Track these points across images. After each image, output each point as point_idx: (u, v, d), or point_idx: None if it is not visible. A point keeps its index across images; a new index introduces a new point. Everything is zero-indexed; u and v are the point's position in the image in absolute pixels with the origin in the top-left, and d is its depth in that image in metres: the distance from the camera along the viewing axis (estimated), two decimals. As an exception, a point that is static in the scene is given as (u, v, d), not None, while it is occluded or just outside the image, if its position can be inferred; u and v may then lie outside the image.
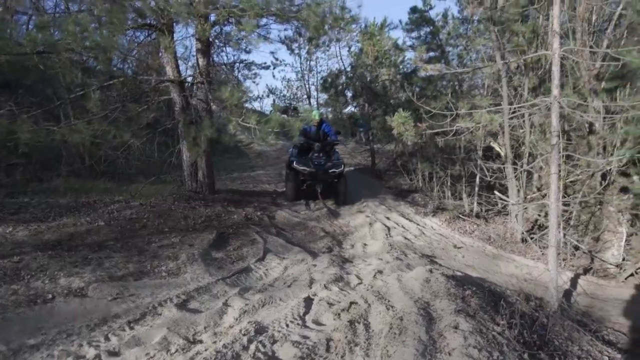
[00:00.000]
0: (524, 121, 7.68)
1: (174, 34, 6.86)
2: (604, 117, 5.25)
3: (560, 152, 4.65)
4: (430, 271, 4.17)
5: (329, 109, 16.71)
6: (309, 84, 20.03)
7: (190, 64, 9.39)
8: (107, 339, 2.74)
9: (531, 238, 7.04)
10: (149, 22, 6.54)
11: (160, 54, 7.64)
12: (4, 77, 5.55)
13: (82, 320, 2.96)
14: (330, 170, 7.98)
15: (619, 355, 3.24)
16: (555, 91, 4.07)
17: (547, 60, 7.32)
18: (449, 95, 9.38)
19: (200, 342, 2.77)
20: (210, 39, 7.46)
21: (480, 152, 8.95)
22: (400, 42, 12.82)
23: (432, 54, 11.33)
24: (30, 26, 7.48)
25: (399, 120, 4.83)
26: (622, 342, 4.00)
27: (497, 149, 8.51)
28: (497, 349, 2.60)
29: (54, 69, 5.74)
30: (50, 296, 3.29)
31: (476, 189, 8.99)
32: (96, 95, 5.55)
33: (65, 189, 6.13)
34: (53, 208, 5.35)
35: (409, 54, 12.84)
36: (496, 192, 8.21)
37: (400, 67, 12.90)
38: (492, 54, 9.09)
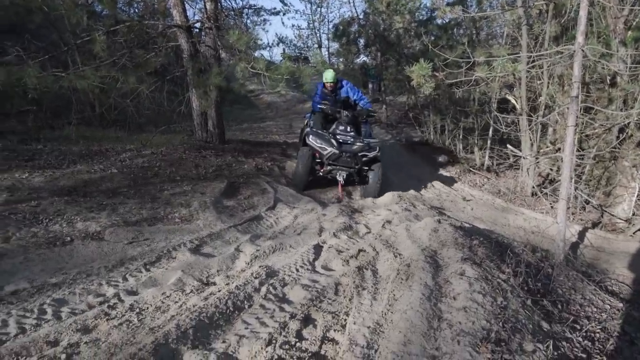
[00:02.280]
0: (542, 72, 7.41)
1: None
2: (629, 67, 5.03)
3: (579, 104, 4.51)
4: (439, 221, 4.20)
5: (340, 59, 16.24)
6: (319, 32, 19.38)
7: (197, 8, 9.06)
8: (124, 279, 2.85)
9: (541, 192, 7.01)
10: (154, -38, 6.26)
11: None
12: (9, 21, 5.43)
13: (100, 262, 3.07)
14: (361, 153, 5.59)
15: (620, 304, 3.30)
16: (580, 38, 3.88)
17: (572, 6, 6.92)
18: (466, 44, 9.02)
19: (214, 284, 2.87)
20: (218, -19, 7.15)
21: (494, 105, 8.74)
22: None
23: (450, -1, 10.75)
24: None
25: (419, 71, 4.66)
26: (624, 293, 4.07)
27: (513, 101, 8.29)
28: (501, 295, 2.66)
29: (58, 10, 5.59)
30: (68, 239, 3.40)
31: (488, 142, 8.87)
32: (102, 39, 5.43)
33: (77, 136, 6.18)
34: (66, 155, 5.41)
35: (425, 0, 12.25)
36: (509, 146, 8.10)
37: (416, 14, 12.33)
38: (513, 0, 8.63)
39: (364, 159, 5.62)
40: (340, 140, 5.61)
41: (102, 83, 5.62)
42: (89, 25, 6.12)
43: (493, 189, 7.58)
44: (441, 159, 8.84)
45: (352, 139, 5.65)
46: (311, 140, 5.60)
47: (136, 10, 8.35)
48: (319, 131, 5.71)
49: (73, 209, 3.92)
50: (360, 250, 3.49)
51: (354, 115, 5.95)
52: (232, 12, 10.01)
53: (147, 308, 2.46)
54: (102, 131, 6.79)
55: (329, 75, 6.08)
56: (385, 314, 2.37)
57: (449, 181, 7.67)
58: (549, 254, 4.29)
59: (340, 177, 5.67)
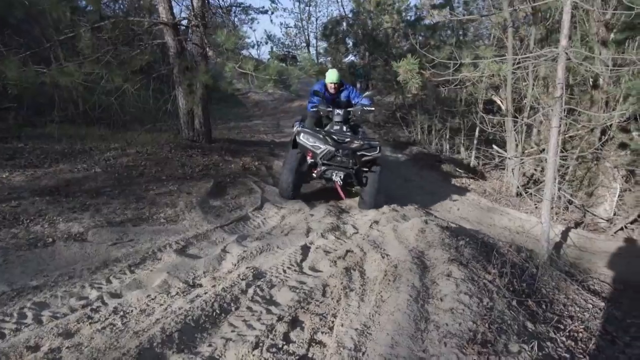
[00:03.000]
0: (527, 73, 7.52)
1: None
2: (611, 70, 5.14)
3: (562, 106, 4.59)
4: (426, 222, 4.22)
5: (328, 58, 16.24)
6: (307, 31, 19.35)
7: (184, 4, 8.97)
8: (108, 281, 2.80)
9: (526, 192, 7.12)
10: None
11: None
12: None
13: (83, 264, 3.01)
14: (360, 152, 4.98)
15: (602, 304, 3.36)
16: (563, 41, 3.94)
17: (557, 10, 7.03)
18: (453, 45, 9.10)
19: (200, 285, 2.83)
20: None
21: (481, 105, 8.83)
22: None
23: (437, 0, 10.83)
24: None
25: (406, 66, 4.70)
26: (606, 292, 4.16)
27: (498, 102, 8.40)
28: (487, 296, 2.68)
29: (40, 5, 5.46)
30: (50, 240, 3.32)
31: (475, 142, 8.97)
32: (87, 36, 5.33)
33: (59, 135, 6.04)
34: (48, 154, 5.30)
35: (413, 1, 12.33)
36: (494, 146, 8.20)
37: (404, 14, 12.40)
38: (499, 2, 8.73)
39: (363, 159, 5.00)
40: (336, 139, 4.99)
41: (86, 80, 5.53)
42: (72, 21, 5.99)
43: (479, 189, 7.66)
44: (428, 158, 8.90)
45: (349, 138, 5.02)
46: (302, 139, 4.97)
47: (121, 6, 8.22)
48: (311, 129, 5.15)
49: (55, 210, 3.84)
50: (347, 251, 3.49)
51: (348, 112, 5.34)
52: (220, 10, 9.93)
53: (132, 311, 2.42)
54: (85, 129, 6.65)
55: (333, 76, 5.51)
56: (372, 316, 2.37)
57: (436, 181, 7.74)
58: (534, 254, 4.35)
59: (337, 177, 5.00)
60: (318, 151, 4.93)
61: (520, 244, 4.72)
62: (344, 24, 13.35)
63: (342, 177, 5.01)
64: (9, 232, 3.35)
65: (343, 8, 18.97)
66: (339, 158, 4.92)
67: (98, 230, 3.58)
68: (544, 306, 2.97)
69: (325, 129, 5.29)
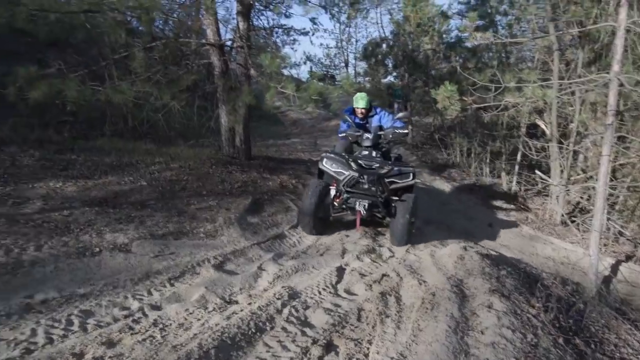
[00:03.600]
0: (574, 99, 7.26)
1: (215, -5, 6.80)
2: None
3: (614, 133, 4.39)
4: (465, 248, 4.12)
5: (367, 78, 16.35)
6: (347, 51, 19.61)
7: (230, 27, 9.33)
8: (149, 293, 2.89)
9: (572, 221, 6.80)
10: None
11: (201, 16, 7.61)
12: (53, 36, 5.71)
13: (126, 274, 3.12)
14: (389, 179, 4.46)
15: (658, 347, 3.13)
16: (616, 67, 3.80)
17: (606, 34, 6.80)
18: (495, 67, 8.95)
19: (236, 302, 2.87)
20: (251, 1, 7.35)
21: (523, 129, 8.59)
22: (445, 8, 12.24)
23: (480, 22, 10.73)
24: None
25: (444, 93, 4.65)
26: (662, 334, 3.87)
27: (542, 126, 8.14)
28: (532, 332, 2.56)
29: (100, 28, 5.85)
30: (97, 250, 3.47)
31: (516, 167, 8.70)
32: (140, 55, 5.64)
33: (109, 148, 6.36)
34: (99, 166, 5.57)
35: (454, 22, 12.25)
36: (537, 172, 7.92)
37: (444, 36, 12.36)
38: (544, 25, 8.54)
39: (393, 186, 4.46)
40: (363, 165, 4.48)
41: (137, 98, 5.82)
42: (126, 42, 6.37)
43: (520, 216, 7.39)
44: (467, 182, 8.70)
45: (377, 164, 4.48)
46: (325, 164, 4.56)
47: (171, 28, 8.65)
48: (335, 154, 4.73)
49: (103, 220, 4.02)
50: (383, 275, 3.45)
51: (378, 136, 4.76)
52: (263, 31, 10.26)
53: (170, 324, 2.47)
54: (133, 143, 6.98)
55: (360, 101, 5.04)
56: (409, 345, 2.32)
57: (475, 206, 7.53)
58: (581, 288, 4.13)
59: (360, 206, 4.39)
60: (341, 177, 4.43)
61: (566, 277, 4.49)
62: (384, 45, 13.45)
63: (365, 206, 4.38)
64: (60, 240, 3.53)
65: (383, 29, 19.11)
66: (363, 185, 4.35)
67: (142, 242, 3.71)
68: (592, 346, 2.80)
69: (355, 154, 4.81)
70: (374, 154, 4.64)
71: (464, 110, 6.62)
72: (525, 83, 6.28)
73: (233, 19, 8.61)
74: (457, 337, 2.36)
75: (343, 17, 16.85)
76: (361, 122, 5.16)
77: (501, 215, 7.30)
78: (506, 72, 7.94)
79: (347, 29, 18.26)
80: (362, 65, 16.95)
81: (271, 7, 9.44)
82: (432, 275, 3.44)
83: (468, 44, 10.62)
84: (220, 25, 7.47)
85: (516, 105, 5.83)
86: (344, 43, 19.19)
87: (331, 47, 20.92)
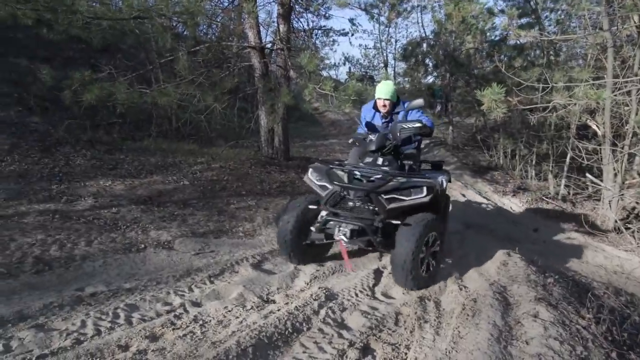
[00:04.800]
0: (631, 98, 6.81)
1: (257, -1, 6.94)
2: None
3: (676, 135, 4.08)
4: (508, 254, 3.96)
5: (406, 79, 16.12)
6: (386, 52, 19.41)
7: (270, 30, 9.48)
8: (190, 290, 2.97)
9: (626, 228, 6.38)
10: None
11: (242, 20, 7.77)
12: (105, 42, 6.04)
13: (169, 271, 3.23)
14: (389, 195, 3.25)
15: None
16: (679, 64, 3.52)
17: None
18: (543, 65, 8.56)
19: (273, 302, 2.89)
20: (292, 4, 7.44)
21: (573, 130, 8.15)
22: (489, 5, 11.85)
23: (524, 20, 10.30)
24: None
25: (490, 95, 4.47)
26: None
27: (594, 127, 7.68)
28: (581, 344, 2.42)
29: (148, 33, 6.11)
30: (142, 246, 3.62)
31: (565, 169, 8.27)
32: (184, 59, 5.84)
33: (154, 148, 6.62)
34: (144, 166, 5.81)
35: (498, 20, 11.83)
36: (588, 175, 7.48)
37: (488, 34, 11.97)
38: (597, 20, 8.08)
39: (393, 204, 3.18)
40: (358, 175, 3.40)
41: (181, 100, 6.03)
42: (172, 46, 6.61)
43: (569, 221, 7.01)
44: (510, 185, 8.37)
45: (379, 174, 3.35)
46: (310, 176, 3.56)
47: (214, 32, 8.91)
48: (323, 164, 3.68)
49: (148, 218, 4.18)
50: (422, 279, 3.36)
51: (384, 137, 3.57)
52: (303, 33, 10.36)
53: (210, 321, 2.52)
54: (176, 144, 7.23)
55: (383, 89, 3.81)
56: (449, 352, 2.25)
57: (519, 210, 7.22)
58: (636, 299, 3.86)
59: (340, 233, 3.19)
60: (324, 193, 3.42)
61: (619, 287, 4.22)
62: (424, 45, 13.21)
63: (347, 233, 3.16)
64: (108, 236, 3.71)
65: (424, 29, 18.81)
66: (348, 203, 3.33)
67: (184, 239, 3.83)
68: (650, 362, 2.61)
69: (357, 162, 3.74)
70: (379, 160, 3.57)
71: (509, 110, 6.35)
72: (575, 82, 5.96)
73: (273, 21, 8.77)
74: (500, 347, 2.27)
75: (383, 18, 16.73)
76: (385, 119, 3.94)
77: (548, 220, 6.97)
78: (555, 71, 7.57)
79: (386, 29, 18.05)
80: (402, 66, 16.71)
81: (311, 9, 9.52)
82: (473, 281, 3.33)
83: (512, 42, 10.22)
84: (261, 28, 7.62)
85: (566, 106, 5.53)
86: (383, 43, 18.99)
87: (370, 48, 20.78)
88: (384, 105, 3.84)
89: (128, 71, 6.28)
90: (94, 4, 5.80)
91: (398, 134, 3.51)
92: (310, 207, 3.46)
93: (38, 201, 4.16)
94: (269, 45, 7.54)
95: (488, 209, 6.92)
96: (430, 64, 13.18)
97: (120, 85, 5.33)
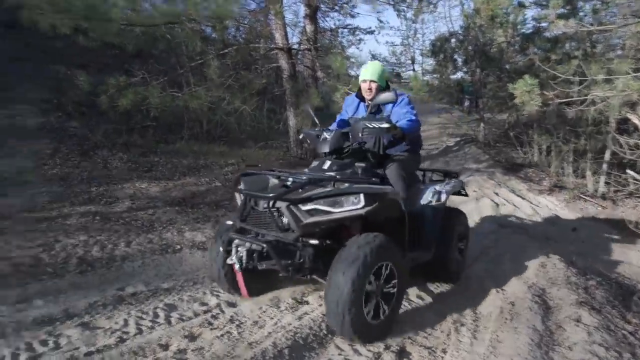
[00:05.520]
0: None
1: (283, 0, 6.98)
2: None
3: None
4: (547, 255, 3.84)
5: (435, 75, 15.83)
6: (413, 48, 19.14)
7: (297, 30, 9.51)
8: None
9: (673, 227, 6.06)
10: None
11: (269, 21, 7.84)
12: (138, 47, 6.23)
13: (204, 271, 3.29)
14: (311, 206, 2.34)
15: None
16: None
17: None
18: (579, 58, 8.22)
19: (307, 303, 2.90)
20: (318, 3, 7.44)
21: (613, 125, 7.80)
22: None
23: (560, 11, 9.91)
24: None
25: (523, 87, 4.31)
26: None
27: (636, 121, 7.33)
28: (628, 350, 2.32)
29: (178, 38, 6.26)
30: (178, 247, 3.71)
31: (604, 166, 7.93)
32: (215, 63, 5.94)
33: (187, 150, 6.76)
34: (178, 168, 5.95)
35: (530, 12, 11.46)
36: (629, 171, 7.15)
37: (519, 27, 11.60)
38: (638, 9, 7.70)
39: (311, 219, 2.31)
40: (289, 183, 2.58)
41: (211, 102, 6.15)
42: (202, 49, 6.74)
43: (609, 220, 6.72)
44: (546, 183, 8.09)
45: (312, 183, 2.47)
46: (241, 185, 2.70)
47: (242, 34, 9.01)
48: (256, 169, 3.11)
49: (182, 219, 4.29)
50: (457, 281, 3.31)
51: (341, 135, 2.81)
52: (329, 32, 10.35)
53: (246, 322, 2.56)
54: (207, 145, 7.36)
55: (368, 70, 3.06)
56: (487, 357, 2.20)
57: (556, 208, 6.98)
58: (685, 303, 3.67)
59: (236, 256, 2.45)
60: (239, 209, 2.62)
61: (667, 289, 4.02)
62: (453, 40, 12.93)
63: (243, 256, 2.42)
64: (146, 237, 3.82)
65: (452, 24, 18.42)
66: (255, 215, 2.53)
67: (217, 240, 3.90)
68: None
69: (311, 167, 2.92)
70: (326, 164, 2.72)
71: (544, 105, 6.13)
72: (615, 74, 5.70)
73: (300, 22, 8.80)
74: (542, 352, 2.20)
75: (409, 14, 16.52)
76: (372, 112, 3.10)
77: (587, 219, 6.70)
78: (592, 63, 7.26)
79: (413, 25, 17.78)
80: (429, 62, 16.43)
81: (337, 7, 9.50)
82: (510, 283, 3.24)
83: (548, 34, 9.86)
84: (288, 29, 7.66)
85: (605, 99, 5.30)
86: (410, 40, 18.73)
87: (396, 45, 20.55)
88: (369, 90, 3.04)
89: (160, 75, 6.44)
90: (126, 10, 5.97)
91: (360, 135, 2.67)
92: (227, 222, 2.79)
93: (79, 203, 4.34)
94: (295, 46, 7.57)
95: (522, 208, 6.72)
96: (460, 60, 12.88)
97: (154, 89, 5.48)
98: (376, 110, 3.09)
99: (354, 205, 2.30)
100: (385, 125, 2.56)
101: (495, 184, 7.62)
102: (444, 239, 3.10)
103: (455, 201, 6.23)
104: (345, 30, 11.55)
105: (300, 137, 3.47)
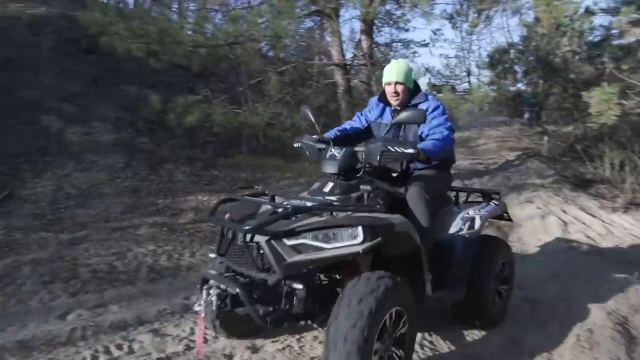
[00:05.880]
0: None
1: (339, 18, 7.10)
2: None
3: None
4: (627, 279, 3.54)
5: (492, 87, 15.30)
6: (469, 60, 18.63)
7: (352, 45, 9.62)
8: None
9: None
10: (317, 8, 6.88)
11: (325, 38, 8.01)
12: (203, 67, 6.58)
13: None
14: (296, 242, 1.87)
15: None
16: None
17: None
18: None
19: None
20: (373, 19, 7.49)
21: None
22: (590, 3, 10.87)
23: (635, 16, 9.27)
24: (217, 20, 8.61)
25: (600, 96, 4.02)
26: None
27: None
28: None
29: (239, 57, 6.56)
30: (239, 258, 3.82)
31: (689, 182, 7.23)
32: (273, 79, 6.15)
33: (245, 164, 7.00)
34: (236, 181, 6.17)
35: (597, 20, 10.78)
36: None
37: (586, 34, 10.97)
38: None
39: (297, 257, 1.86)
40: (280, 209, 1.99)
41: (269, 118, 6.35)
42: (261, 68, 7.00)
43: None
44: (621, 200, 7.49)
45: (311, 211, 2.00)
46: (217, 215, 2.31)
47: (299, 52, 9.25)
48: (237, 197, 2.54)
49: (242, 232, 4.41)
50: (526, 304, 3.12)
51: (351, 154, 2.30)
52: (384, 47, 10.36)
53: (305, 336, 2.56)
54: (264, 160, 7.57)
55: (393, 70, 2.55)
56: (565, 388, 2.04)
57: (632, 228, 6.42)
58: None
59: (205, 299, 1.89)
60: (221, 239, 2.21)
61: None
62: (512, 51, 12.47)
63: (213, 301, 1.86)
64: (208, 248, 3.98)
65: (510, 34, 17.76)
66: (233, 251, 2.08)
67: (276, 253, 3.97)
68: None
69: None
70: (327, 186, 2.25)
71: (622, 115, 5.72)
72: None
73: (355, 37, 8.89)
74: (628, 387, 2.01)
75: (465, 26, 16.17)
76: (386, 115, 2.71)
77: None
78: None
79: (469, 36, 17.36)
80: (485, 74, 15.90)
81: (391, 22, 9.50)
82: (586, 309, 3.01)
83: (621, 42, 9.24)
84: (344, 45, 7.77)
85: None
86: (465, 52, 18.28)
87: (451, 57, 20.10)
88: (395, 93, 2.54)
89: (221, 93, 6.76)
90: (190, 32, 6.35)
91: (378, 158, 2.15)
92: (211, 255, 2.38)
93: (148, 214, 4.60)
94: (350, 62, 7.66)
95: (593, 227, 6.25)
96: (520, 71, 12.38)
97: (217, 107, 5.77)
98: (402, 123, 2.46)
99: (351, 240, 1.84)
100: (411, 150, 2.14)
101: (562, 200, 7.16)
102: (478, 277, 2.54)
103: (519, 217, 5.94)
104: (399, 44, 11.52)
105: (296, 145, 2.83)
